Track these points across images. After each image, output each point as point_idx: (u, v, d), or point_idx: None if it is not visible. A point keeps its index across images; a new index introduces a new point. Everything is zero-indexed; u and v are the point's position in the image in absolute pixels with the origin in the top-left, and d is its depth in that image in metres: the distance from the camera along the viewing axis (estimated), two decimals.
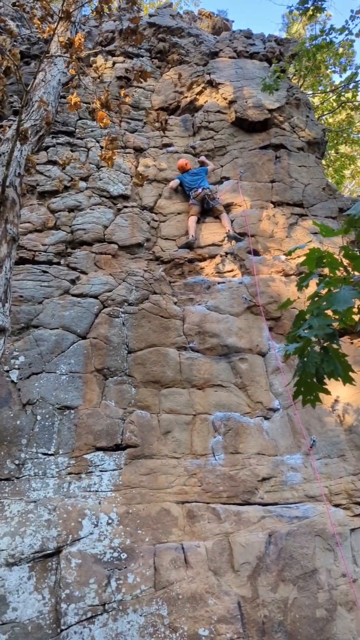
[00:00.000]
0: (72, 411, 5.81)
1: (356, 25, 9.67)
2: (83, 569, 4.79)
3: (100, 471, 5.49)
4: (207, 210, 8.20)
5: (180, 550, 5.07)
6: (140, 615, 4.64)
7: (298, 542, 5.22)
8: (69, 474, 5.43)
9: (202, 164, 8.81)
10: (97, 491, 5.37)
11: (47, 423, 5.67)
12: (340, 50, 12.96)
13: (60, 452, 5.53)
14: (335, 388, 5.19)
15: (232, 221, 8.06)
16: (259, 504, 5.56)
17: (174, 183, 8.39)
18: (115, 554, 4.94)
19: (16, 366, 5.98)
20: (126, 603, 4.68)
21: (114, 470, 5.54)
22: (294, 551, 5.16)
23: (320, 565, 5.14)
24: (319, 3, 9.24)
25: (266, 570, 5.06)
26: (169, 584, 4.85)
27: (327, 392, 2.78)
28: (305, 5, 9.26)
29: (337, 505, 5.62)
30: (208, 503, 5.48)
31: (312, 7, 9.30)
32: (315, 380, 2.73)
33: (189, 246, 7.73)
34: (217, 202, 8.19)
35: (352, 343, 6.89)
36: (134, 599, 4.72)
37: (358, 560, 5.31)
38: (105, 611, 4.61)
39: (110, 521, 5.14)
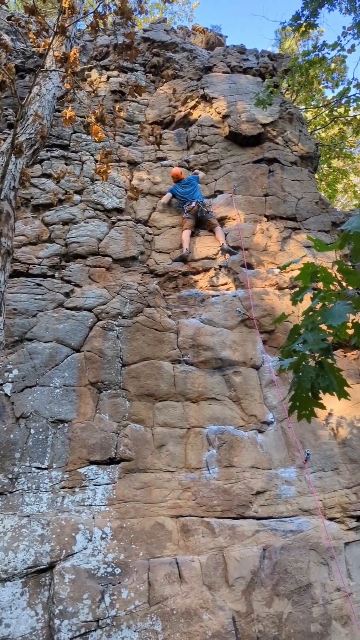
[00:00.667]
0: (66, 425, 5.78)
1: (348, 41, 9.83)
2: (77, 584, 4.75)
3: (94, 485, 5.46)
4: (201, 224, 8.24)
5: (175, 564, 5.04)
6: (135, 631, 4.59)
7: (292, 556, 5.20)
8: (63, 488, 5.39)
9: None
10: (91, 505, 5.33)
11: (40, 437, 5.64)
12: (333, 65, 13.13)
13: (54, 466, 5.50)
14: (329, 402, 5.21)
15: (225, 234, 8.10)
16: (253, 518, 5.55)
17: (166, 198, 8.41)
18: (109, 569, 4.91)
19: (10, 379, 5.95)
20: (120, 619, 4.64)
21: (107, 484, 5.51)
22: (288, 565, 5.14)
23: (314, 580, 5.13)
24: (312, 19, 9.39)
25: (261, 584, 5.04)
26: (163, 599, 4.81)
27: (323, 407, 2.80)
28: (298, 22, 9.42)
29: (331, 519, 5.62)
30: (202, 517, 5.46)
31: (304, 24, 9.45)
32: (310, 395, 2.74)
33: (183, 259, 7.75)
34: (211, 216, 8.22)
35: (345, 356, 6.93)
36: (128, 614, 4.68)
37: (352, 574, 5.30)
38: (99, 627, 4.57)
39: (104, 536, 5.10)
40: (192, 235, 8.11)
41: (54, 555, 4.89)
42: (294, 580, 5.08)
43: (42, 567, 4.82)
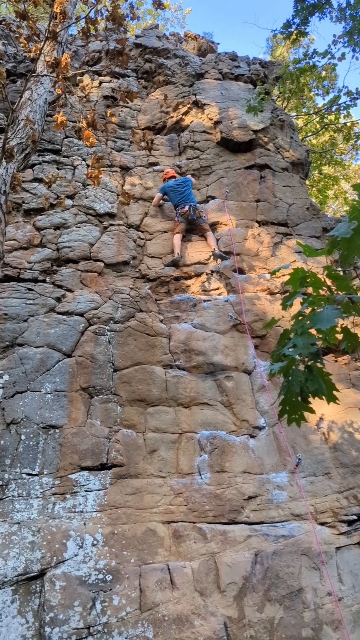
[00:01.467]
0: (57, 430, 5.75)
1: (338, 49, 9.94)
2: (67, 591, 4.71)
3: (86, 491, 5.44)
4: (193, 229, 8.24)
5: (166, 570, 5.02)
6: (126, 638, 4.56)
7: (284, 561, 5.19)
8: (54, 494, 5.36)
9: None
10: (82, 512, 5.30)
11: (31, 443, 5.61)
12: (324, 73, 13.23)
13: (45, 472, 5.46)
14: (320, 406, 5.20)
15: (217, 240, 8.11)
16: (245, 523, 5.54)
17: (157, 199, 8.39)
18: (100, 576, 4.88)
19: (0, 385, 5.92)
20: (111, 626, 4.61)
21: (99, 490, 5.48)
22: (280, 570, 5.13)
23: (306, 584, 5.12)
24: (302, 27, 9.46)
25: (252, 590, 5.02)
26: (155, 606, 4.79)
27: (312, 411, 2.80)
28: (289, 30, 9.48)
29: (322, 524, 5.62)
30: (194, 522, 5.44)
31: (295, 31, 9.51)
32: (300, 399, 2.75)
33: (174, 264, 7.75)
34: (203, 221, 8.21)
35: (336, 361, 6.95)
36: (119, 621, 4.65)
37: (343, 578, 5.29)
38: (90, 634, 4.54)
39: (95, 542, 5.07)
40: (184, 239, 8.11)
41: (44, 562, 4.85)
42: (286, 585, 5.07)
43: (32, 574, 4.78)
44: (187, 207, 8.08)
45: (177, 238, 7.95)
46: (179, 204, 8.18)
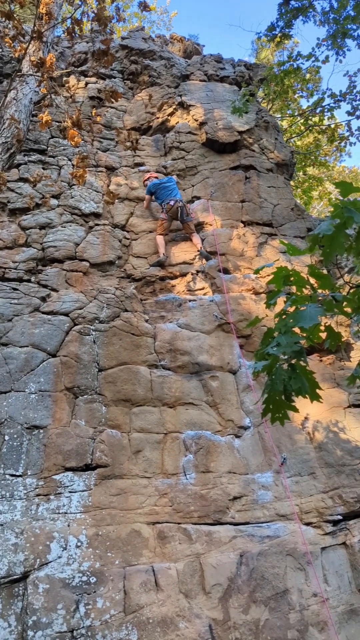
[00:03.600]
0: (41, 431, 5.70)
1: (322, 52, 9.99)
2: (51, 594, 4.66)
3: (70, 492, 5.39)
4: (178, 229, 8.19)
5: (151, 572, 4.99)
6: None
7: (269, 562, 5.19)
8: (38, 495, 5.30)
9: None
10: (66, 513, 5.25)
11: (15, 443, 5.54)
12: (308, 76, 13.31)
13: (29, 473, 5.41)
14: (305, 406, 5.21)
15: (202, 240, 8.09)
16: (230, 524, 5.53)
17: (147, 200, 8.30)
18: (84, 578, 4.83)
19: None
20: (95, 628, 4.57)
21: (83, 491, 5.44)
22: (265, 571, 5.13)
23: (291, 585, 5.12)
24: (286, 30, 9.51)
25: (237, 591, 5.01)
26: (139, 608, 4.75)
27: (295, 410, 2.80)
28: (273, 32, 9.52)
29: (307, 524, 5.62)
30: (179, 523, 5.42)
31: (279, 34, 9.57)
32: (283, 397, 2.74)
33: (160, 264, 7.72)
34: (190, 219, 8.09)
35: (321, 361, 6.97)
36: (103, 624, 4.61)
37: (329, 579, 5.30)
38: (73, 638, 4.49)
39: (79, 544, 5.03)
40: (169, 240, 8.05)
41: (27, 565, 4.80)
42: (271, 587, 5.07)
43: (15, 577, 4.72)
44: (172, 202, 7.93)
45: (160, 239, 7.88)
46: (165, 199, 8.03)
